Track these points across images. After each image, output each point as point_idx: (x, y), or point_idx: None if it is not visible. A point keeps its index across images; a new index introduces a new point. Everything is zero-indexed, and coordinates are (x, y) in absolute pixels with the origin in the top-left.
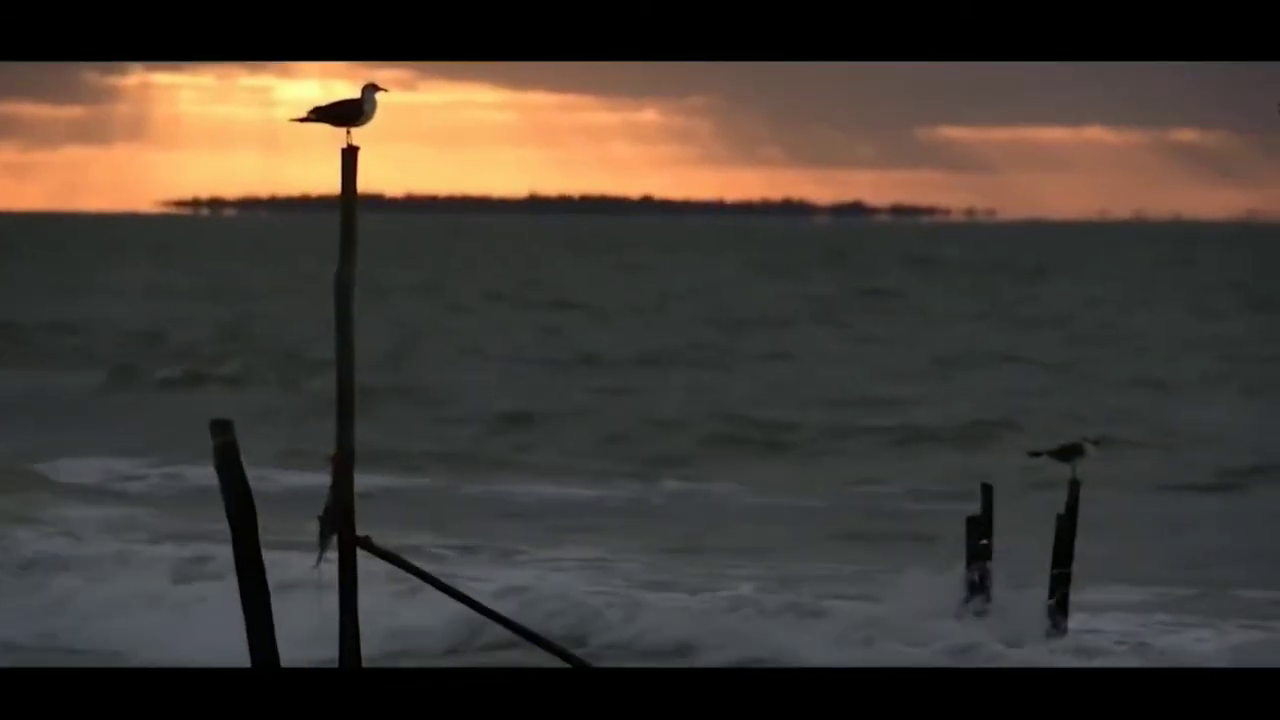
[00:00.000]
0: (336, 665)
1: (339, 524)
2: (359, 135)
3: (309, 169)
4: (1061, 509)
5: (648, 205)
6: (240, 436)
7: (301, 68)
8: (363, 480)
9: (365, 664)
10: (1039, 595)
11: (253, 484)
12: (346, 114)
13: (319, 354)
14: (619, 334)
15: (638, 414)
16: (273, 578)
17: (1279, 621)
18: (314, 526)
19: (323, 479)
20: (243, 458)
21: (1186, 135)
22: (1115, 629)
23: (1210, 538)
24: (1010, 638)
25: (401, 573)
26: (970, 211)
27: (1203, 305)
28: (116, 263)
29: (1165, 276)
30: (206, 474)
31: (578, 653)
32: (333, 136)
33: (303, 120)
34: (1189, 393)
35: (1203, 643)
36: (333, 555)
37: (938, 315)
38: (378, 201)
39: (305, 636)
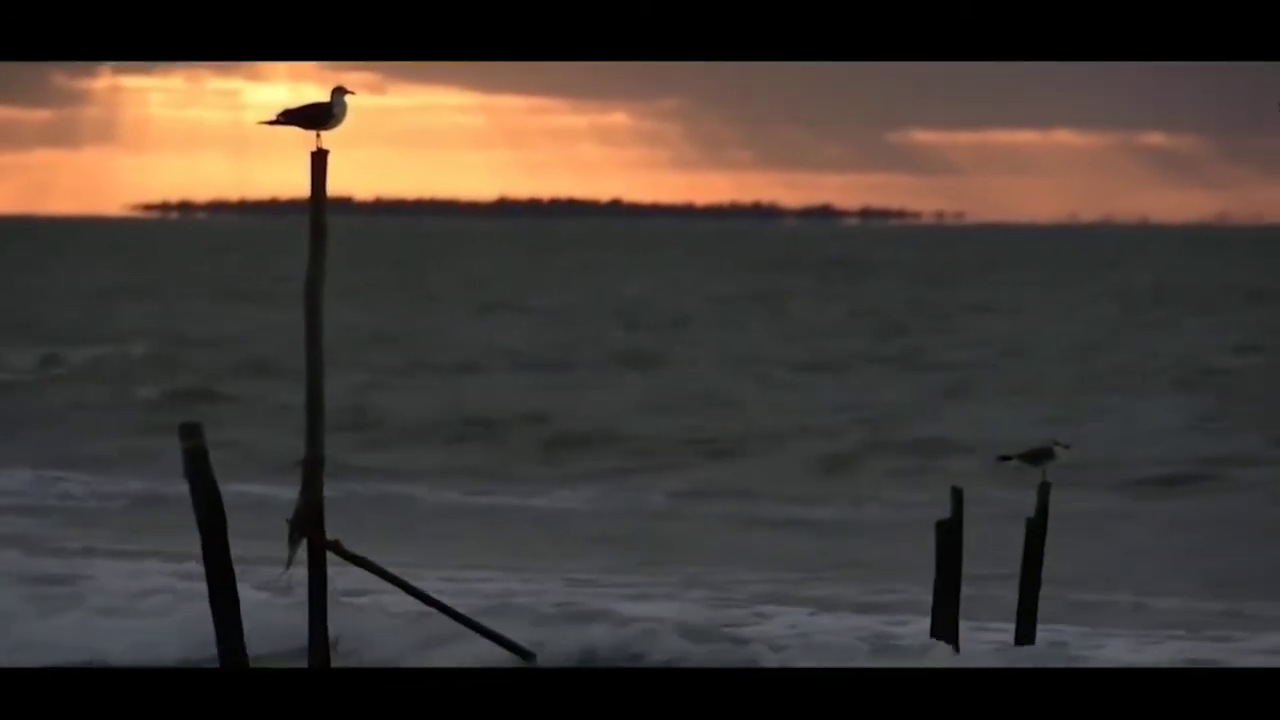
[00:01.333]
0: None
1: (308, 528)
2: (328, 138)
3: (279, 172)
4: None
5: (617, 209)
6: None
7: (270, 71)
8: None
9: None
10: (1003, 604)
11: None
12: (315, 117)
13: (197, 357)
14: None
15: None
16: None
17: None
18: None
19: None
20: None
21: (1154, 139)
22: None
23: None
24: (978, 648)
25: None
26: (940, 214)
27: (1131, 309)
28: (60, 264)
29: (1106, 280)
30: None
31: None
32: (302, 140)
33: (272, 123)
34: (1064, 401)
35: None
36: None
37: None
38: (347, 205)
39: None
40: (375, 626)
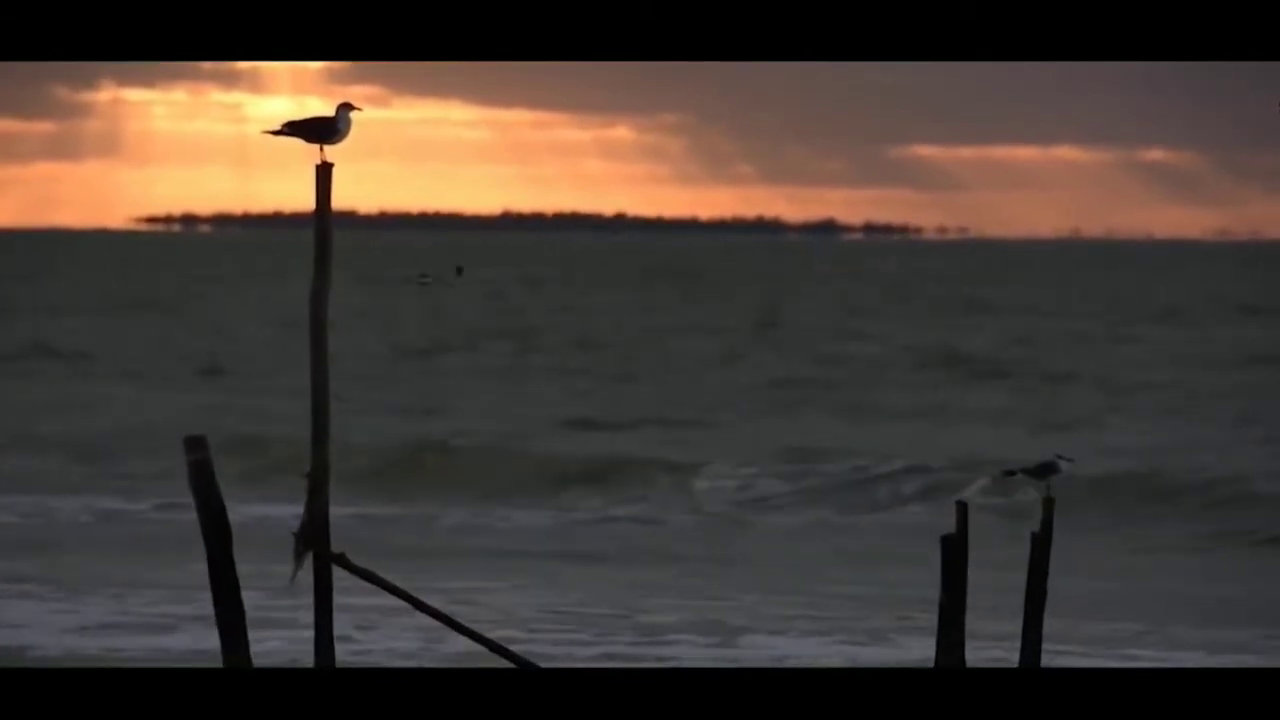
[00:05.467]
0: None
1: (314, 541)
2: (332, 151)
3: (282, 185)
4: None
5: (622, 223)
6: None
7: (273, 84)
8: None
9: None
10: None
11: None
12: (320, 131)
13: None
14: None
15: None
16: None
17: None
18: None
19: None
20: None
21: (1155, 155)
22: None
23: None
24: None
25: None
26: (943, 229)
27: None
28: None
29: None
30: None
31: None
32: (306, 153)
33: (276, 133)
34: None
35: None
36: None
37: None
38: (351, 218)
39: None
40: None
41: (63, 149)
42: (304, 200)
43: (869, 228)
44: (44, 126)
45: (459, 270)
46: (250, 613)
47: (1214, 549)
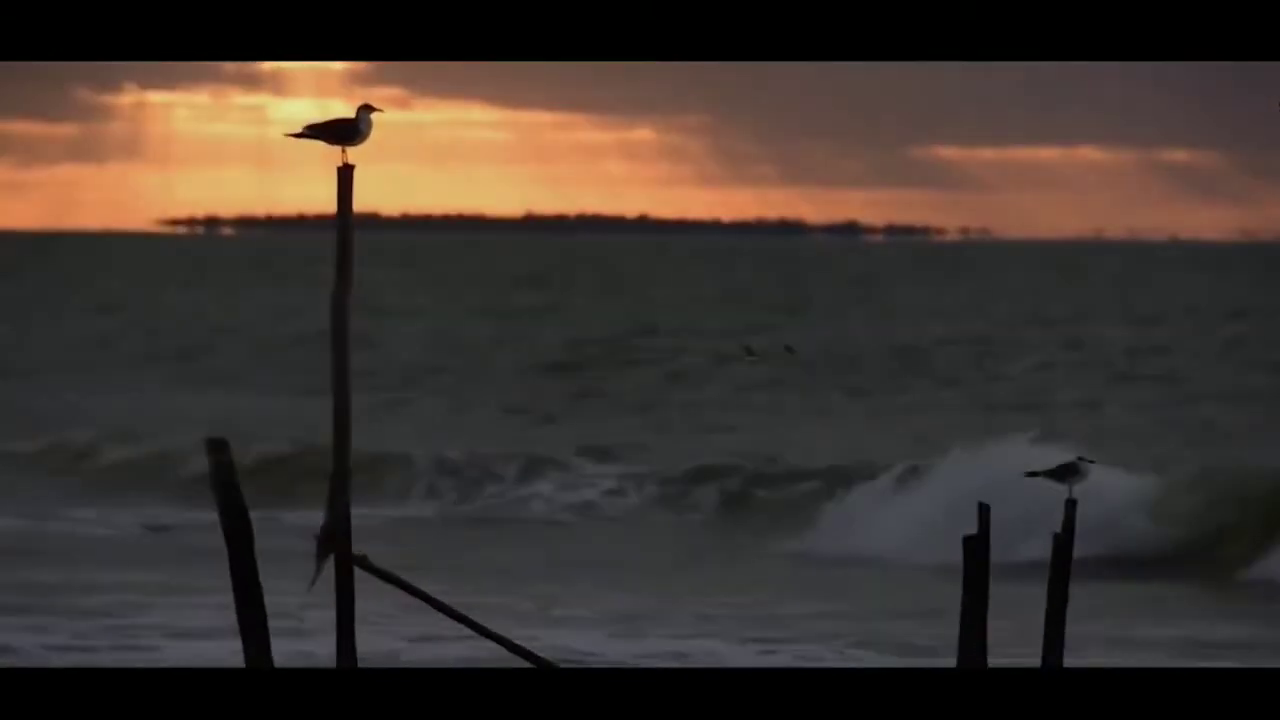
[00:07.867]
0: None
1: (335, 543)
2: (354, 153)
3: (305, 188)
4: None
5: (645, 225)
6: None
7: (295, 87)
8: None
9: None
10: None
11: None
12: (342, 133)
13: None
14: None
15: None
16: None
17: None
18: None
19: None
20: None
21: (1177, 155)
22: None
23: None
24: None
25: None
26: (965, 230)
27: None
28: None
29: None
30: None
31: None
32: (328, 155)
33: (298, 136)
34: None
35: None
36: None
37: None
38: (374, 220)
39: None
40: None
41: (85, 151)
42: (326, 203)
43: (891, 229)
44: (67, 129)
45: (789, 349)
46: (272, 617)
47: None
